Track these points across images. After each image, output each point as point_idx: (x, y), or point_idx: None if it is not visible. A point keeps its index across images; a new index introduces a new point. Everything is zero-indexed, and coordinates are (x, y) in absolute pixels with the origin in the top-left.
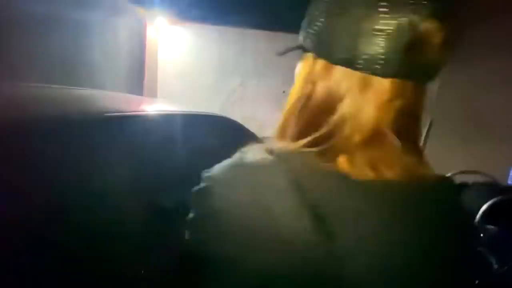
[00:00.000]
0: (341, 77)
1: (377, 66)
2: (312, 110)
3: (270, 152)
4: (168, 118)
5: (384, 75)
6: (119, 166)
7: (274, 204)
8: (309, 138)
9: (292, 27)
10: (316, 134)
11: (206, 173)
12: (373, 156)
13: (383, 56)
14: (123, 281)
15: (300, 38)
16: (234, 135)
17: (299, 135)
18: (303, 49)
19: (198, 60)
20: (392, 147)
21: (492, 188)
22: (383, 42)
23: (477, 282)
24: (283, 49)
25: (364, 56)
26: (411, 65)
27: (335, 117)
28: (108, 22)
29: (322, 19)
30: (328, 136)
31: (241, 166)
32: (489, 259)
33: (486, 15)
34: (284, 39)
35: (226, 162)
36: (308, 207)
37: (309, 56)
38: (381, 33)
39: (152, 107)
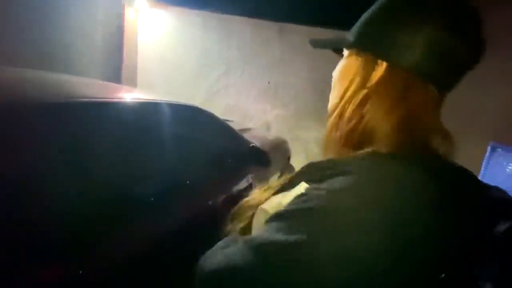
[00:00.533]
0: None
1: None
2: (373, 116)
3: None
4: (136, 107)
5: (449, 88)
6: (76, 153)
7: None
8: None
9: (278, 15)
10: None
11: (319, 190)
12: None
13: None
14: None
15: (351, 37)
16: (208, 126)
17: (363, 137)
18: (352, 47)
19: (180, 46)
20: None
21: None
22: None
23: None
24: (319, 40)
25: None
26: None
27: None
28: (83, 2)
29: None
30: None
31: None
32: None
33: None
34: (269, 28)
35: (353, 179)
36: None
37: (365, 59)
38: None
39: (120, 94)
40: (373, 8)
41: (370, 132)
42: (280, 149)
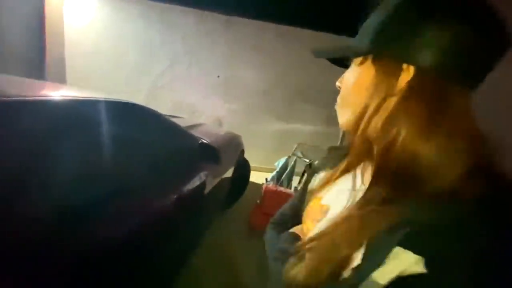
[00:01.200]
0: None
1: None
2: (409, 130)
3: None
4: (62, 105)
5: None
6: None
7: None
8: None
9: (222, 7)
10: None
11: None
12: None
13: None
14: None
15: (365, 42)
16: (149, 124)
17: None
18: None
19: (117, 38)
20: None
21: None
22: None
23: None
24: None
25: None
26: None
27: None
28: None
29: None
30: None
31: None
32: None
33: None
34: (215, 20)
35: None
36: None
37: (386, 65)
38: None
39: (44, 92)
40: (386, 8)
41: (412, 152)
42: (233, 144)
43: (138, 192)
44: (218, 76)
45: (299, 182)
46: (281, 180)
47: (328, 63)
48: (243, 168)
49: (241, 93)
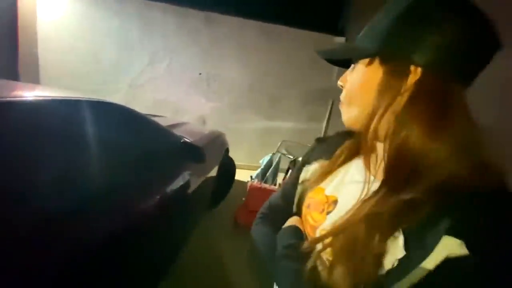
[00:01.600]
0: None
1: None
2: (419, 127)
3: None
4: (37, 106)
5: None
6: None
7: None
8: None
9: (203, 4)
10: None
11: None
12: None
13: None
14: None
15: (373, 44)
16: (127, 123)
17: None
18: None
19: (92, 35)
20: None
21: None
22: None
23: None
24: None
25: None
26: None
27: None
28: None
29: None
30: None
31: None
32: None
33: None
34: (195, 16)
35: None
36: None
37: (394, 66)
38: None
39: (16, 93)
40: (393, 11)
41: (423, 148)
42: (217, 142)
43: (120, 193)
44: (200, 74)
45: (284, 179)
46: (266, 177)
47: (310, 61)
48: (228, 167)
49: (223, 91)
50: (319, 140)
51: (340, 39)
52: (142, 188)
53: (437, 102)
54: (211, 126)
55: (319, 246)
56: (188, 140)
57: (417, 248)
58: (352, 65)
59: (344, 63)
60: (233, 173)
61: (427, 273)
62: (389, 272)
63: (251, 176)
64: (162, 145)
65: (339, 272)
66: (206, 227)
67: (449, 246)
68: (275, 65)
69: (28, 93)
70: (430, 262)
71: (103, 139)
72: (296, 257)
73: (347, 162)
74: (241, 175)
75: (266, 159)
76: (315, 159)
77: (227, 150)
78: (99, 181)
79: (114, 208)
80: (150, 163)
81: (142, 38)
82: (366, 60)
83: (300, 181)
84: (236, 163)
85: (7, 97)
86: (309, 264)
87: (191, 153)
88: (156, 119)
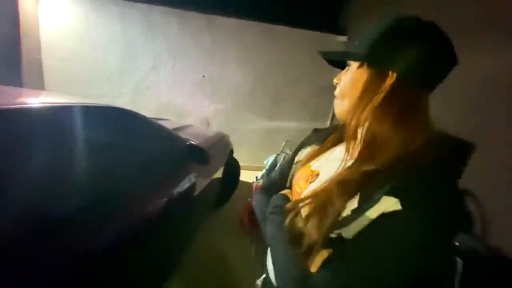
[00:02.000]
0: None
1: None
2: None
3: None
4: (45, 113)
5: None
6: None
7: None
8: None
9: (205, 7)
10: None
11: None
12: None
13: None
14: None
15: (363, 51)
16: (134, 127)
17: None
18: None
19: (96, 39)
20: None
21: None
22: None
23: None
24: (327, 51)
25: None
26: None
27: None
28: None
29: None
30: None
31: None
32: None
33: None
34: (197, 19)
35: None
36: None
37: (377, 70)
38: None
39: (22, 100)
40: (381, 27)
41: (390, 135)
42: (222, 144)
43: (127, 196)
44: (203, 76)
45: None
46: None
47: (311, 60)
48: (232, 168)
49: (226, 92)
50: (315, 130)
51: (342, 38)
52: (149, 190)
53: (404, 102)
54: (215, 127)
55: (300, 205)
56: (193, 143)
57: (366, 202)
58: (347, 67)
59: (340, 65)
60: (237, 174)
61: (369, 222)
62: (344, 218)
63: (256, 177)
64: (168, 148)
65: (312, 223)
66: (211, 228)
67: (388, 203)
68: (277, 65)
69: (39, 100)
70: (373, 213)
71: (112, 144)
72: (280, 213)
73: (333, 147)
74: (245, 176)
75: (270, 159)
76: (309, 144)
77: (231, 152)
78: (108, 183)
79: (123, 209)
80: (158, 166)
81: (145, 42)
82: (357, 64)
83: (295, 162)
84: (240, 164)
85: (20, 104)
86: (290, 218)
87: (196, 155)
88: (161, 122)
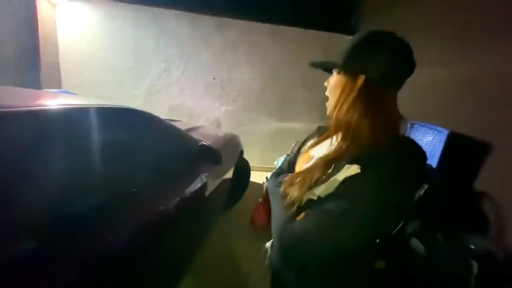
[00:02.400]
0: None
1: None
2: (362, 111)
3: None
4: (63, 114)
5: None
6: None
7: None
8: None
9: (215, 10)
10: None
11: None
12: None
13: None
14: None
15: (340, 61)
16: (149, 128)
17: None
18: (341, 68)
19: (111, 44)
20: None
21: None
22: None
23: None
24: (318, 62)
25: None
26: None
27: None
28: None
29: (382, 59)
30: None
31: None
32: (418, 247)
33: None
34: (208, 22)
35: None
36: None
37: (350, 75)
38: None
39: (41, 102)
40: (353, 42)
41: (361, 125)
42: (232, 145)
43: (141, 195)
44: (214, 78)
45: None
46: None
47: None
48: (243, 168)
49: (237, 94)
50: (319, 127)
51: None
52: (163, 189)
53: (371, 98)
54: (226, 129)
55: (293, 178)
56: (205, 143)
57: (336, 169)
58: (334, 73)
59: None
60: (248, 175)
61: (338, 184)
62: (319, 180)
63: (266, 178)
64: (181, 149)
65: (295, 186)
66: (222, 228)
67: (351, 169)
68: (287, 66)
69: (58, 102)
70: (339, 176)
71: (127, 143)
72: (280, 186)
73: (327, 138)
74: (255, 176)
75: (281, 160)
76: (312, 138)
77: (241, 152)
78: (123, 182)
79: (137, 208)
80: (171, 166)
81: (157, 45)
82: (337, 70)
83: (301, 152)
84: (251, 165)
85: (32, 106)
86: (284, 187)
87: (208, 155)
88: (174, 123)
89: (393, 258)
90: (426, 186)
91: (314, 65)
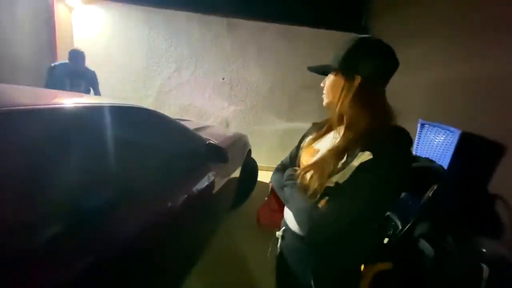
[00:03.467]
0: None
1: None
2: (358, 107)
3: None
4: (78, 112)
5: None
6: (20, 163)
7: None
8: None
9: (226, 10)
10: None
11: None
12: None
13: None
14: None
15: (337, 64)
16: (158, 126)
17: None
18: (337, 70)
19: (123, 45)
20: None
21: None
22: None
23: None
24: (314, 65)
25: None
26: None
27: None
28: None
29: (370, 60)
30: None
31: None
32: (395, 221)
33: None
34: (218, 23)
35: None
36: None
37: (347, 76)
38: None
39: (57, 100)
40: (348, 47)
41: (360, 118)
42: (240, 144)
43: (150, 192)
44: (223, 79)
45: None
46: None
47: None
48: (250, 167)
49: (246, 94)
50: (314, 124)
51: None
52: (172, 187)
53: (367, 94)
54: (234, 128)
55: (306, 170)
56: (213, 142)
57: (351, 156)
58: (329, 75)
59: (325, 73)
60: (255, 174)
61: (354, 169)
62: (337, 169)
63: None
64: (190, 147)
65: (314, 178)
66: (229, 227)
67: (364, 156)
68: (296, 67)
69: (73, 100)
70: (355, 163)
71: (139, 142)
72: (293, 178)
73: (328, 132)
74: (262, 176)
75: None
76: (310, 133)
77: (249, 152)
78: (134, 180)
79: (145, 205)
80: (179, 164)
81: (169, 46)
82: (334, 72)
83: (300, 148)
84: (259, 164)
85: (49, 105)
86: (299, 179)
87: (215, 154)
88: (183, 122)
89: (401, 261)
90: (436, 187)
91: (311, 69)
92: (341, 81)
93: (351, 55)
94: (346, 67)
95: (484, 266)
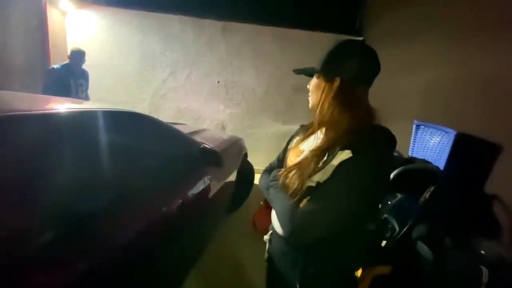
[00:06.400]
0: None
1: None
2: (340, 107)
3: None
4: (69, 118)
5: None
6: (10, 169)
7: None
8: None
9: (220, 14)
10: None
11: None
12: None
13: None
14: None
15: (319, 67)
16: (150, 131)
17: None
18: (320, 73)
19: (117, 50)
20: None
21: (397, 159)
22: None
23: (383, 245)
24: (299, 68)
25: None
26: None
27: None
28: None
29: (353, 61)
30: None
31: None
32: (393, 224)
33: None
34: (212, 27)
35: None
36: None
37: (327, 77)
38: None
39: (50, 106)
40: (330, 49)
41: (340, 118)
42: (236, 147)
43: (144, 198)
44: (218, 82)
45: None
46: None
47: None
48: (247, 171)
49: (241, 97)
50: (302, 126)
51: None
52: (165, 192)
53: (346, 95)
54: (230, 131)
55: (288, 170)
56: (207, 146)
57: (331, 155)
58: (313, 77)
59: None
60: (252, 178)
61: (334, 168)
62: (317, 168)
63: None
64: (184, 151)
65: (294, 176)
66: (226, 231)
67: (343, 154)
68: (290, 69)
69: (65, 106)
70: (335, 161)
71: (131, 147)
72: (277, 180)
73: (313, 133)
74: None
75: None
76: (297, 135)
77: (245, 155)
78: (126, 185)
79: (139, 210)
80: (173, 169)
81: (163, 50)
82: (317, 75)
83: (288, 149)
84: (255, 167)
85: (41, 110)
86: (281, 179)
87: (210, 158)
88: (177, 126)
89: (399, 264)
90: (432, 188)
91: (298, 72)
92: (322, 83)
93: (332, 57)
94: (326, 69)
95: (484, 269)
